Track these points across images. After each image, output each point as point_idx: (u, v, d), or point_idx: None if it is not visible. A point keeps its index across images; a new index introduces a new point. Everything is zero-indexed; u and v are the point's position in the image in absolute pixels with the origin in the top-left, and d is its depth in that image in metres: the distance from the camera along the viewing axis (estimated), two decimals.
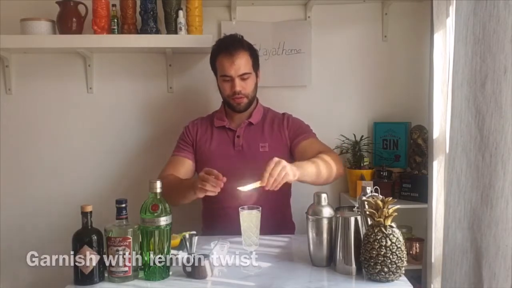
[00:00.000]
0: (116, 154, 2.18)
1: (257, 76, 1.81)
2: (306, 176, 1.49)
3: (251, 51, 1.78)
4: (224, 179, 1.47)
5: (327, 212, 1.31)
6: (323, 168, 1.57)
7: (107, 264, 1.24)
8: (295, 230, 1.87)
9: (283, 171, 1.36)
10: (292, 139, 1.77)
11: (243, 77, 1.73)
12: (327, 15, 2.16)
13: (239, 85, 1.72)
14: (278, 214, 1.77)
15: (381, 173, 2.01)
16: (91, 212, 1.25)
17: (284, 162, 1.38)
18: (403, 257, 1.19)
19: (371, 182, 1.86)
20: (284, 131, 1.79)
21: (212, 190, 1.45)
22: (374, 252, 1.17)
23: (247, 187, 1.38)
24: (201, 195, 1.50)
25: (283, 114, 1.87)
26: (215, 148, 1.80)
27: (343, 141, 2.11)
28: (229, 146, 1.78)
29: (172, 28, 1.99)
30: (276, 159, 1.38)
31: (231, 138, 1.79)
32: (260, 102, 1.88)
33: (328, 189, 2.17)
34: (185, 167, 1.82)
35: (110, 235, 1.23)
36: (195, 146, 1.84)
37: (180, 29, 1.96)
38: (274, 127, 1.80)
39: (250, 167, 1.65)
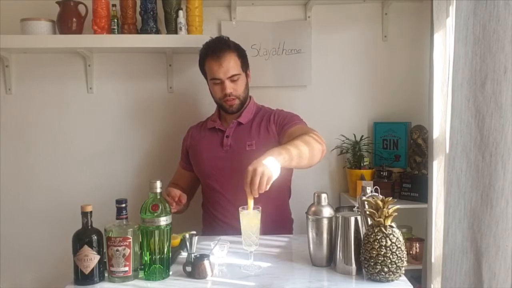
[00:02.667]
0: (116, 154, 2.18)
1: (247, 76, 1.81)
2: (288, 161, 1.39)
3: (239, 51, 1.77)
4: (183, 200, 1.58)
5: (327, 212, 1.31)
6: (302, 147, 1.47)
7: (107, 264, 1.24)
8: (293, 225, 1.87)
9: (263, 177, 1.29)
10: (279, 131, 1.73)
11: (232, 78, 1.72)
12: (327, 15, 2.16)
13: (229, 87, 1.72)
14: (277, 211, 1.77)
15: (381, 173, 2.01)
16: (91, 212, 1.25)
17: (259, 167, 1.29)
18: (403, 257, 1.19)
19: (371, 182, 1.87)
20: (271, 126, 1.76)
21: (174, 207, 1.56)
22: (374, 252, 1.17)
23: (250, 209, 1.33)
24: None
25: (273, 110, 1.84)
26: (204, 149, 1.81)
27: (343, 141, 2.12)
28: (218, 147, 1.78)
29: (172, 28, 2.00)
30: (249, 169, 1.30)
31: (220, 138, 1.79)
32: (254, 101, 1.87)
33: (328, 189, 2.18)
34: (184, 178, 1.91)
35: (110, 235, 1.23)
36: (188, 152, 1.88)
37: (180, 29, 1.96)
38: (262, 124, 1.78)
39: (238, 166, 1.66)
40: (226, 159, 1.75)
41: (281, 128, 1.72)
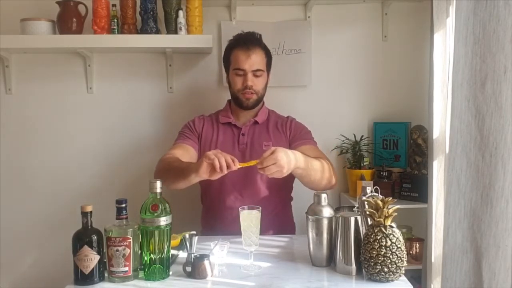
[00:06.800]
0: (116, 154, 2.18)
1: (268, 76, 1.83)
2: (302, 165, 1.49)
3: (267, 51, 1.81)
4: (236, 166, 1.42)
5: (327, 212, 1.31)
6: (317, 166, 1.55)
7: (107, 264, 1.24)
8: (295, 230, 1.86)
9: (275, 167, 1.38)
10: (292, 141, 1.77)
11: (256, 73, 1.75)
12: (327, 15, 2.16)
13: (251, 80, 1.74)
14: (279, 216, 1.77)
15: (381, 173, 2.01)
16: (91, 212, 1.25)
17: (278, 155, 1.37)
18: (403, 257, 1.19)
19: (371, 182, 1.87)
20: (286, 131, 1.80)
21: (222, 170, 1.39)
22: (374, 252, 1.17)
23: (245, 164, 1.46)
24: (204, 175, 1.42)
25: (287, 117, 1.89)
26: (220, 144, 1.79)
27: (343, 141, 2.12)
28: (234, 143, 1.79)
29: (172, 28, 2.00)
30: (273, 148, 1.40)
31: (236, 135, 1.80)
32: (265, 105, 1.89)
33: None
34: (190, 154, 1.74)
35: (110, 235, 1.23)
36: (200, 138, 1.82)
37: (180, 29, 1.96)
38: (278, 127, 1.82)
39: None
40: (241, 157, 1.73)
41: (295, 140, 1.76)
